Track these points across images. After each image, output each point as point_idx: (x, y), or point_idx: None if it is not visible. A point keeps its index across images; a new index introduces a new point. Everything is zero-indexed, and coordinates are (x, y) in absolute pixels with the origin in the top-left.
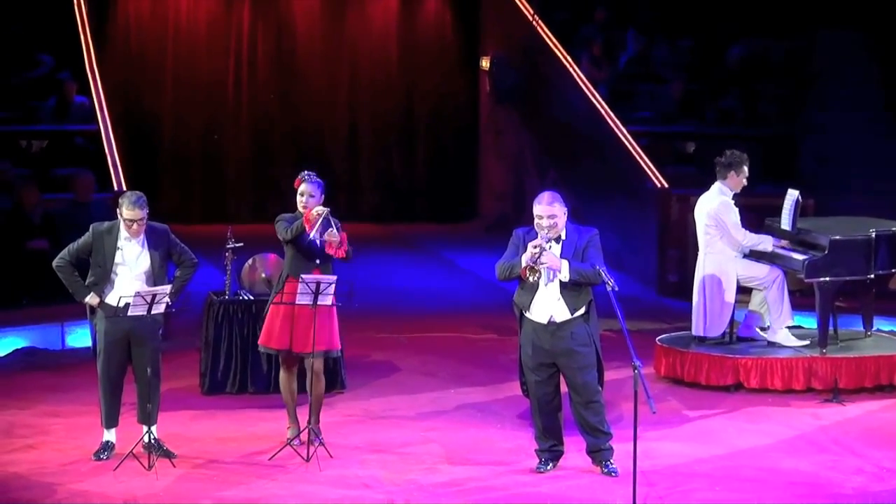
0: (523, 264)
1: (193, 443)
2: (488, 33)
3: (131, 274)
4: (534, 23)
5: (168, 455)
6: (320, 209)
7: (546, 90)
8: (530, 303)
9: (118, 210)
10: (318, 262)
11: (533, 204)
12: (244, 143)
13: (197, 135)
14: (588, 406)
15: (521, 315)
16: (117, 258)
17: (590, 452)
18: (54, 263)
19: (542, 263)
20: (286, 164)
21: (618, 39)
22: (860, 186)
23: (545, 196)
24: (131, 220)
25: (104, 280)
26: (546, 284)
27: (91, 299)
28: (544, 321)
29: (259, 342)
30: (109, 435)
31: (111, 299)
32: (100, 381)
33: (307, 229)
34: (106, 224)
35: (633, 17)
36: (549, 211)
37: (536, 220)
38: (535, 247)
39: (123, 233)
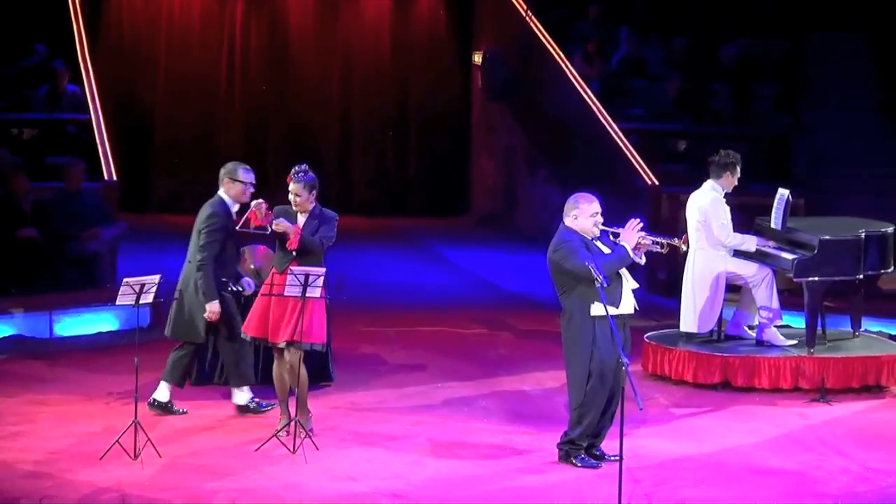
0: (633, 245)
1: (180, 433)
2: (481, 29)
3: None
4: (527, 19)
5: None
6: (256, 202)
7: (538, 86)
8: (620, 296)
9: (229, 177)
10: (293, 254)
11: (581, 205)
12: (237, 134)
13: (189, 125)
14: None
15: (593, 320)
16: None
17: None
18: (203, 264)
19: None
20: (279, 156)
21: (612, 37)
22: (853, 187)
23: (589, 195)
24: (251, 184)
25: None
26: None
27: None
28: (631, 310)
29: (241, 328)
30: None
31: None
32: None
33: (253, 223)
34: (215, 204)
35: (627, 15)
36: (598, 207)
37: (593, 217)
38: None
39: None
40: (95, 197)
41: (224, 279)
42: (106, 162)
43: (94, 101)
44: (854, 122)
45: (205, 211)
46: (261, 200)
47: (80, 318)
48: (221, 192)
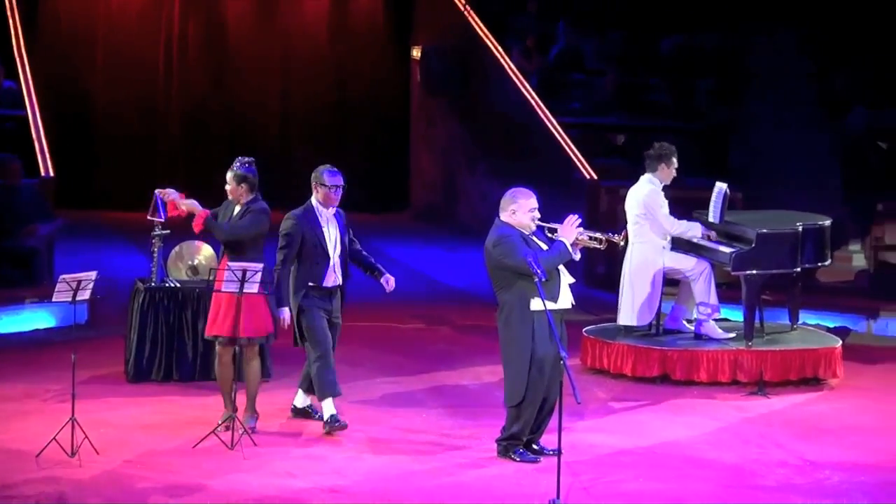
0: (572, 241)
1: (118, 430)
2: (420, 23)
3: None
4: (465, 13)
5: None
6: (162, 190)
7: (477, 81)
8: (558, 291)
9: (316, 182)
10: (222, 247)
11: (519, 200)
12: (176, 128)
13: (128, 120)
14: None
15: (532, 315)
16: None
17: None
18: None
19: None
20: (219, 151)
21: (551, 31)
22: (791, 180)
23: (527, 190)
24: (337, 186)
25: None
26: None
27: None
28: (568, 305)
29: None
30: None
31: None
32: (322, 356)
33: (170, 213)
34: (299, 209)
35: (565, 9)
36: (536, 203)
37: (531, 212)
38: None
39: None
40: (33, 193)
41: (311, 283)
42: (43, 158)
43: (30, 97)
44: (792, 116)
45: None
46: (168, 189)
47: (17, 316)
48: (312, 198)
